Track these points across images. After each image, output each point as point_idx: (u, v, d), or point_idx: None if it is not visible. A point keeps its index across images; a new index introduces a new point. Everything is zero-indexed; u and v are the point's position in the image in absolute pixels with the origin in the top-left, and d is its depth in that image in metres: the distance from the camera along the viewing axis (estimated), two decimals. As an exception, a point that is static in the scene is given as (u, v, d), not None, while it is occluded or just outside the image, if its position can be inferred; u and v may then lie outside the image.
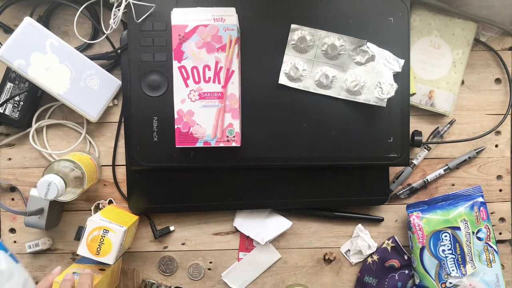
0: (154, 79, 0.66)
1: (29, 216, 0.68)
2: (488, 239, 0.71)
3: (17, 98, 0.70)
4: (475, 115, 0.77)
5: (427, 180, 0.76)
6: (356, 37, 0.65)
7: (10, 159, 0.75)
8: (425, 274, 0.71)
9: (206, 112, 0.63)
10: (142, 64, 0.66)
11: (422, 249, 0.71)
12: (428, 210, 0.73)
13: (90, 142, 0.75)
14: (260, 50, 0.66)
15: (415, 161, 0.76)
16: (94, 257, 0.64)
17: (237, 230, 0.76)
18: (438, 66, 0.74)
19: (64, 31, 0.74)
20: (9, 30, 0.73)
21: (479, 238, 0.71)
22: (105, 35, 0.70)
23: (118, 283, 0.75)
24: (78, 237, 0.75)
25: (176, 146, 0.64)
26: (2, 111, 0.70)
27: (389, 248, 0.75)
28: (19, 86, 0.70)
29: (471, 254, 0.70)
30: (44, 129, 0.74)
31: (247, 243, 0.76)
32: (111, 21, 0.67)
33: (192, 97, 0.63)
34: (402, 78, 0.67)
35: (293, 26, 0.65)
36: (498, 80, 0.77)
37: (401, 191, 0.76)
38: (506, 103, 0.77)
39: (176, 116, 0.63)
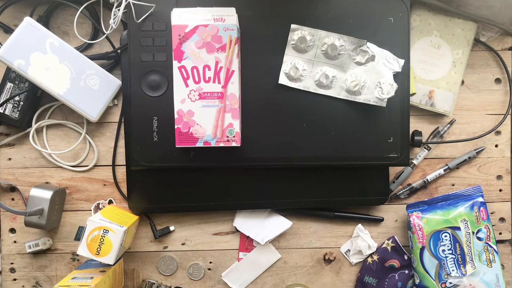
0: (154, 79, 0.66)
1: (29, 216, 0.68)
2: (488, 239, 0.71)
3: (17, 98, 0.70)
4: (475, 115, 0.77)
5: (427, 180, 0.76)
6: (356, 37, 0.65)
7: (10, 159, 0.75)
8: (425, 274, 0.71)
9: (206, 112, 0.63)
10: (142, 64, 0.66)
11: (422, 249, 0.71)
12: (428, 210, 0.73)
13: (90, 142, 0.75)
14: (260, 50, 0.66)
15: (415, 161, 0.76)
16: (94, 257, 0.64)
17: (237, 230, 0.76)
18: (438, 66, 0.74)
19: (64, 31, 0.74)
20: (9, 30, 0.73)
21: (479, 238, 0.71)
22: (105, 35, 0.70)
23: (123, 285, 0.75)
24: (78, 237, 0.75)
25: (176, 146, 0.64)
26: (2, 111, 0.70)
27: (389, 248, 0.75)
28: (19, 86, 0.70)
29: (471, 254, 0.70)
30: (44, 129, 0.74)
31: (247, 243, 0.76)
32: (111, 21, 0.67)
33: (192, 97, 0.63)
34: (402, 78, 0.67)
35: (293, 26, 0.65)
36: (498, 80, 0.77)
37: (401, 191, 0.76)
38: (506, 103, 0.77)
39: (176, 116, 0.63)
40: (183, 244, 0.76)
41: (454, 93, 0.74)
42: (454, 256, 0.70)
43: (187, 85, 0.63)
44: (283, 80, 0.66)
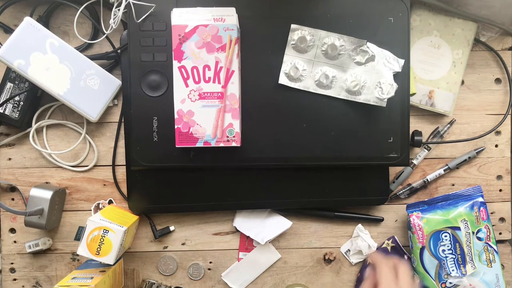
0: (154, 79, 0.66)
1: (29, 216, 0.68)
2: (488, 239, 0.71)
3: (17, 98, 0.70)
4: (475, 115, 0.77)
5: (427, 180, 0.76)
6: (356, 37, 0.65)
7: (10, 159, 0.75)
8: (425, 274, 0.71)
9: (206, 112, 0.63)
10: (142, 64, 0.66)
11: (422, 249, 0.71)
12: (428, 210, 0.73)
13: (90, 142, 0.75)
14: (260, 50, 0.66)
15: (415, 161, 0.76)
16: (94, 257, 0.64)
17: (237, 230, 0.76)
18: (438, 66, 0.74)
19: (64, 31, 0.74)
20: (9, 30, 0.73)
21: (479, 238, 0.71)
22: (105, 35, 0.70)
23: (123, 285, 0.75)
24: (78, 237, 0.75)
25: (176, 146, 0.64)
26: (2, 111, 0.70)
27: (389, 248, 0.75)
28: (19, 86, 0.70)
29: (471, 254, 0.70)
30: (44, 129, 0.74)
31: (247, 243, 0.76)
32: (111, 21, 0.67)
33: (192, 97, 0.63)
34: (402, 78, 0.67)
35: (293, 26, 0.65)
36: (498, 80, 0.77)
37: (401, 191, 0.76)
38: (506, 103, 0.77)
39: (176, 116, 0.63)
40: (183, 244, 0.76)
41: (454, 93, 0.74)
42: (454, 256, 0.70)
43: (187, 85, 0.63)
44: (283, 80, 0.66)
